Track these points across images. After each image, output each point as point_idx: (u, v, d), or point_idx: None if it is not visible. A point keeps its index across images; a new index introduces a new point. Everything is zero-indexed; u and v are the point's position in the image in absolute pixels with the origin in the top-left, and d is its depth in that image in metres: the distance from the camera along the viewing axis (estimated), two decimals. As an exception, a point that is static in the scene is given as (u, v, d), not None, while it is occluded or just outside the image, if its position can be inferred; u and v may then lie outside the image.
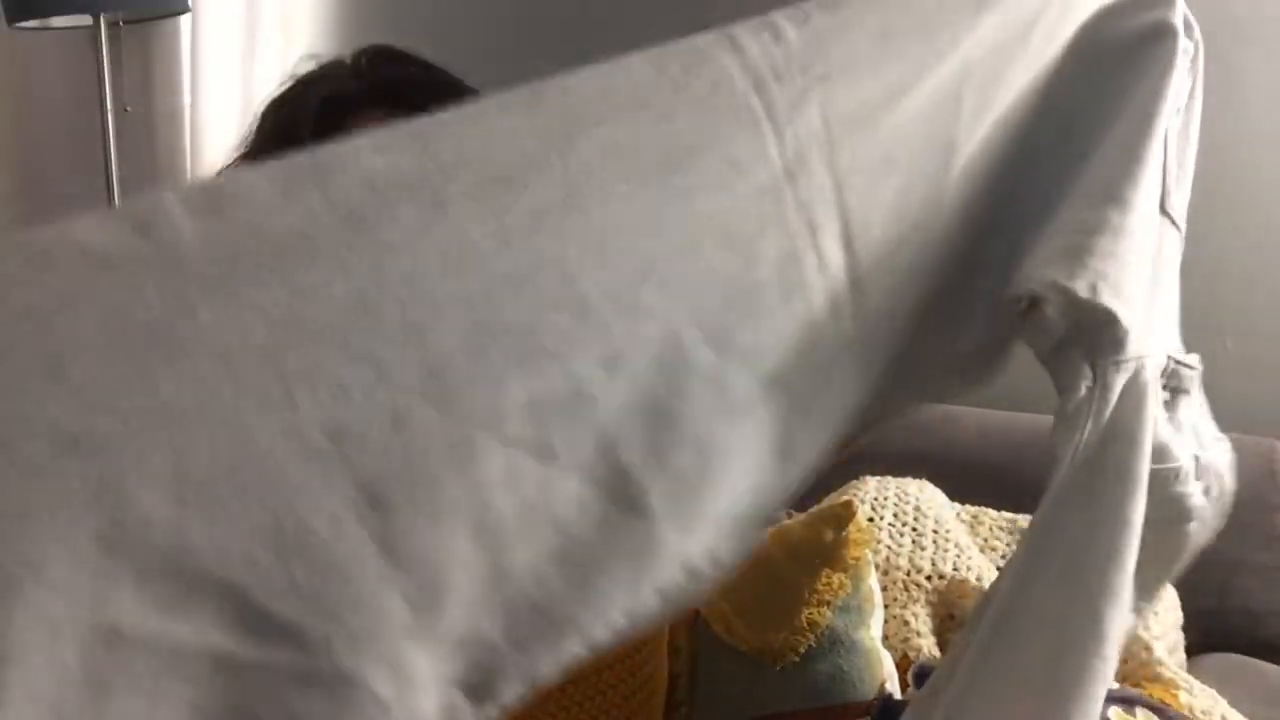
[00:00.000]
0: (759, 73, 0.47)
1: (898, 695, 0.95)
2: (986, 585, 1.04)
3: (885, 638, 1.02)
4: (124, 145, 1.93)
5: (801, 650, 0.94)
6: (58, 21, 1.91)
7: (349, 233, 0.38)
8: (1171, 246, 0.58)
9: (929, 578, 1.06)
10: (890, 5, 0.52)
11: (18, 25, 1.88)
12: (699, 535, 0.46)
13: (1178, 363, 0.57)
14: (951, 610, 1.05)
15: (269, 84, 0.97)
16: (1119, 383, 0.52)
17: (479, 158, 0.41)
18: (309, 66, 0.95)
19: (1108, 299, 0.52)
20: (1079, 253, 0.52)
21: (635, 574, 0.45)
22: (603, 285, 0.43)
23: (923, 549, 1.08)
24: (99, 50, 1.86)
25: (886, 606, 1.03)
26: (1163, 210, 0.56)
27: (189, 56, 1.96)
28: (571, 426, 0.43)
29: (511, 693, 0.43)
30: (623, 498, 0.44)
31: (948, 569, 1.06)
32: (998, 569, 1.09)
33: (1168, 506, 0.56)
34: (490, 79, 0.97)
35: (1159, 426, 0.55)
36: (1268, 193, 1.45)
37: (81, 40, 1.93)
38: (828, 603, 0.95)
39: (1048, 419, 0.55)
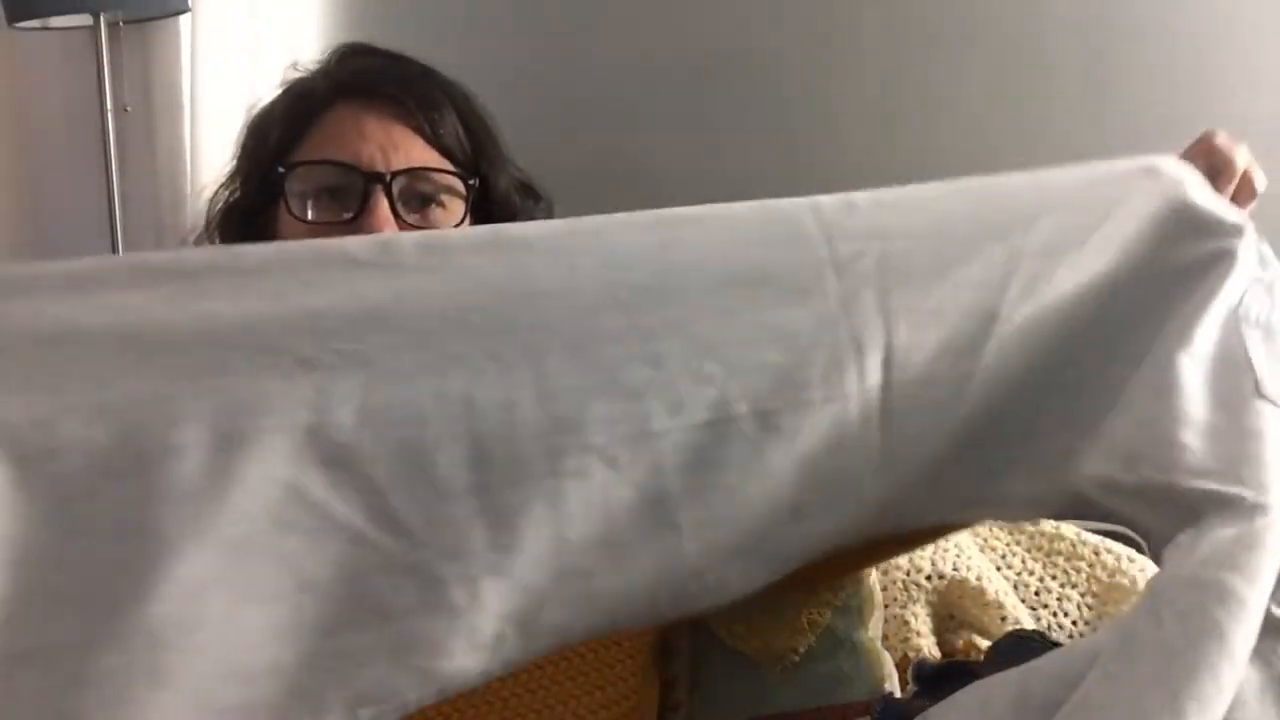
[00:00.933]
0: (829, 228, 0.61)
1: (898, 695, 0.95)
2: (986, 585, 1.04)
3: (885, 638, 1.02)
4: (124, 145, 1.93)
5: (801, 650, 0.94)
6: (58, 21, 1.90)
7: (499, 277, 0.57)
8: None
9: (929, 578, 1.06)
10: (954, 195, 0.65)
11: (18, 25, 1.88)
12: (716, 561, 0.60)
13: None
14: (951, 610, 1.05)
15: (269, 84, 0.97)
16: (1220, 525, 0.57)
17: (609, 263, 0.59)
18: (294, 75, 0.95)
19: (1150, 475, 0.60)
20: (1121, 450, 0.62)
21: (659, 576, 0.59)
22: (677, 352, 0.58)
23: (923, 549, 1.08)
24: (99, 50, 1.85)
25: (886, 606, 1.03)
26: (1260, 394, 0.62)
27: (189, 56, 1.95)
28: (635, 447, 0.57)
29: (546, 642, 0.58)
30: (662, 513, 0.58)
31: (948, 569, 1.06)
32: (997, 569, 1.10)
33: None
34: (491, 77, 0.98)
35: None
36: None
37: (81, 40, 1.93)
38: (828, 603, 0.95)
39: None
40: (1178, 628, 0.54)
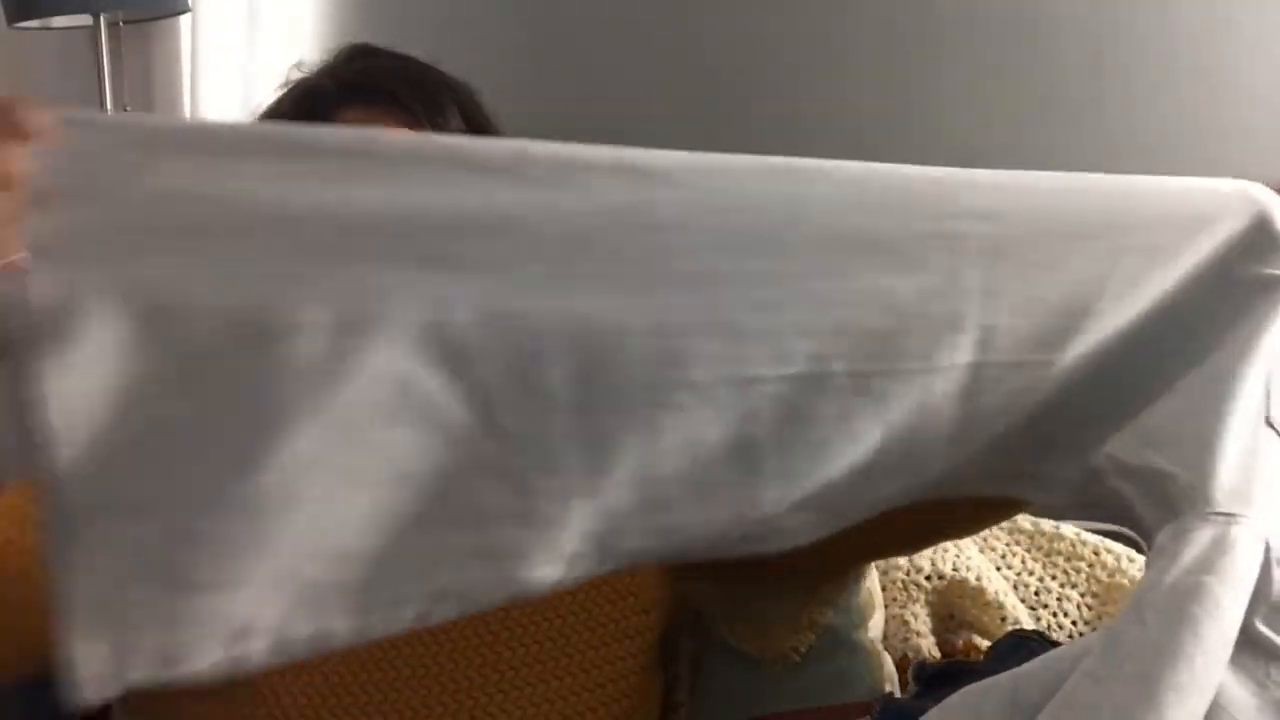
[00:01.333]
0: (944, 204, 0.62)
1: (898, 695, 0.95)
2: (986, 585, 1.04)
3: (885, 638, 1.02)
4: (124, 145, 1.93)
5: (802, 650, 0.94)
6: (58, 21, 1.90)
7: (623, 204, 0.57)
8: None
9: (929, 578, 1.06)
10: (1061, 188, 0.65)
11: (18, 25, 1.88)
12: (786, 510, 0.63)
13: None
14: (951, 610, 1.05)
15: (269, 84, 0.97)
16: (1198, 529, 0.59)
17: (734, 205, 0.59)
18: (298, 75, 0.95)
19: (1152, 459, 0.62)
20: (1141, 434, 0.65)
21: (733, 517, 0.62)
22: (786, 302, 0.59)
23: (923, 549, 1.08)
24: (99, 50, 1.85)
25: (886, 606, 1.04)
26: (1268, 423, 0.64)
27: (189, 56, 1.96)
28: (734, 390, 0.59)
29: (619, 564, 0.61)
30: (749, 459, 0.61)
31: (948, 569, 1.06)
32: (997, 569, 1.10)
33: None
34: (493, 77, 0.98)
35: None
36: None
37: (81, 40, 1.93)
38: (829, 602, 0.95)
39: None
40: (1158, 626, 0.56)
